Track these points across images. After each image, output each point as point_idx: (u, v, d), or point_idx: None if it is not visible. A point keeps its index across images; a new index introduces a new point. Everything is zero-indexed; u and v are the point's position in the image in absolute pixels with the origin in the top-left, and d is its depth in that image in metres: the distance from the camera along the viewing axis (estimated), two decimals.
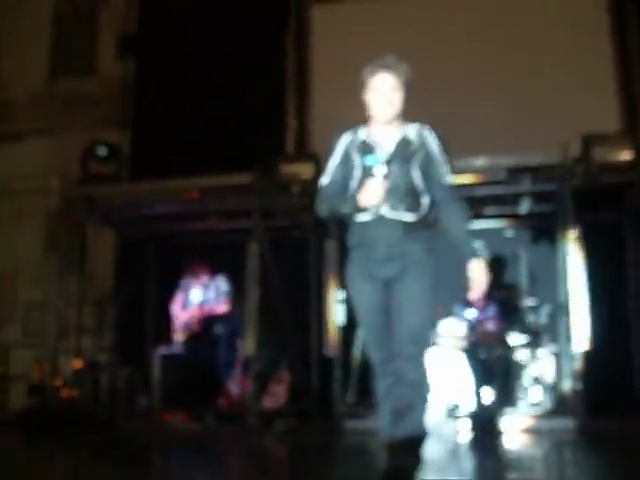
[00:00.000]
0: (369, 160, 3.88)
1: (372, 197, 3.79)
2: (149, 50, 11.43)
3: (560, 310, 8.55)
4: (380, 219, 3.86)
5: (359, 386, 8.73)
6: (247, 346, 9.00)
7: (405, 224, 3.86)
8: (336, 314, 8.94)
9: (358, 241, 3.96)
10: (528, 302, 9.06)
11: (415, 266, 3.83)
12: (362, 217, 3.90)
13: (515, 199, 9.28)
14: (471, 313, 8.44)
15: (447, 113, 9.53)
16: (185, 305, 9.71)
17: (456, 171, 8.84)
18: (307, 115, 10.33)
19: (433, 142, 4.00)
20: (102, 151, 10.13)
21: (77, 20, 11.87)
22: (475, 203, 9.43)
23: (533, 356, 8.65)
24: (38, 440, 7.93)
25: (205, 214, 9.81)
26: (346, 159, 4.01)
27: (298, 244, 9.82)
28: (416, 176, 3.90)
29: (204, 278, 9.71)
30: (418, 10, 10.20)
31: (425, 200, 3.93)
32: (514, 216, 9.72)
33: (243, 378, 9.23)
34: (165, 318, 9.89)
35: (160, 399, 9.49)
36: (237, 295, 9.54)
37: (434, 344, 8.63)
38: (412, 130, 4.00)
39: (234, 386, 9.34)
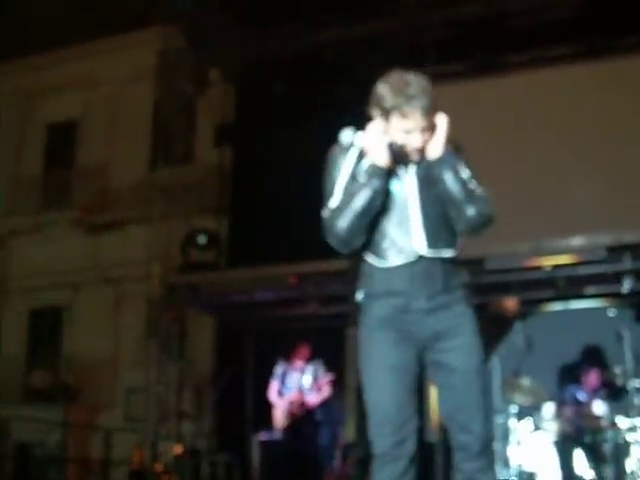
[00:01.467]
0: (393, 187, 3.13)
1: (376, 139, 3.06)
2: (245, 138, 11.70)
3: None
4: (416, 262, 3.13)
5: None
6: (347, 432, 8.94)
7: (445, 264, 3.17)
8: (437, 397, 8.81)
9: (383, 291, 3.17)
10: (634, 383, 8.80)
11: (465, 327, 3.17)
12: (389, 262, 3.16)
13: (616, 278, 9.09)
14: (579, 395, 8.25)
15: (543, 193, 9.52)
16: (281, 392, 9.69)
17: (555, 252, 8.89)
18: None
19: (459, 157, 3.23)
20: (202, 239, 10.35)
21: (176, 110, 12.24)
22: (574, 283, 9.31)
23: None
24: None
25: (303, 300, 9.87)
26: (353, 180, 3.16)
27: None
28: (447, 176, 3.14)
29: (300, 363, 9.71)
30: (510, 90, 10.24)
31: (457, 209, 3.17)
32: (616, 295, 9.51)
33: (343, 465, 9.15)
34: (264, 403, 9.90)
35: None
36: (336, 381, 9.50)
37: (539, 429, 8.44)
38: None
39: (335, 473, 9.25)
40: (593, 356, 9.18)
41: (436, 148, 3.12)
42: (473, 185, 3.16)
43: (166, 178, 12.40)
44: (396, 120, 3.07)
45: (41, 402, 14.31)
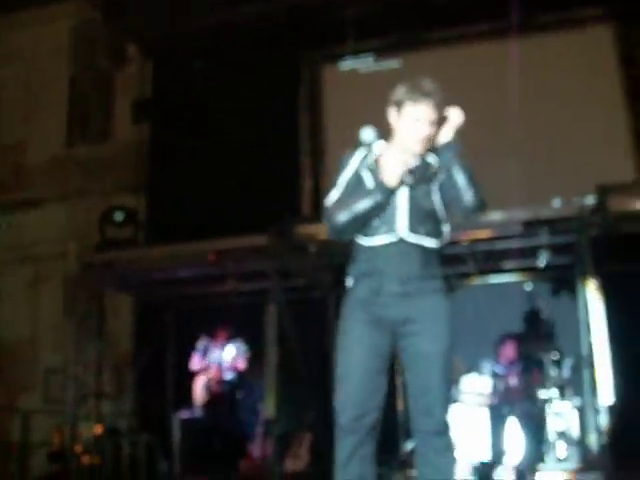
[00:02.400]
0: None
1: (397, 161, 3.41)
2: (163, 114, 11.55)
3: (583, 363, 8.45)
4: (397, 244, 3.42)
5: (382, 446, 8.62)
6: (267, 408, 8.93)
7: (424, 253, 3.43)
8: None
9: (366, 270, 3.47)
10: (550, 356, 8.96)
11: (436, 315, 3.41)
12: (374, 240, 3.46)
13: (533, 252, 9.22)
14: (496, 368, 8.38)
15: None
16: (202, 365, 9.70)
17: (473, 227, 8.97)
18: (322, 175, 10.39)
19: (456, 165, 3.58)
20: (119, 216, 10.19)
21: (93, 86, 12.01)
22: (492, 257, 9.41)
23: (557, 411, 8.54)
24: None
25: (222, 277, 9.80)
26: (358, 177, 3.57)
27: (316, 304, 9.80)
28: (436, 200, 3.50)
29: (222, 340, 9.70)
30: (431, 66, 10.26)
31: (446, 229, 3.56)
32: (533, 269, 9.65)
33: (264, 441, 9.15)
34: (185, 382, 9.85)
35: (181, 464, 9.41)
36: (256, 357, 9.49)
37: (457, 401, 8.55)
38: (432, 155, 3.59)
39: (256, 449, 9.25)
40: (510, 329, 9.33)
41: (447, 135, 3.52)
42: (471, 173, 3.51)
43: (83, 155, 12.15)
44: (408, 107, 3.51)
45: None
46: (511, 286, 9.93)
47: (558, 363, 8.88)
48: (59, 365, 11.50)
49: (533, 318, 9.43)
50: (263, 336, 9.12)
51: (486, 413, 8.24)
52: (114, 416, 10.69)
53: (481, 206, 3.52)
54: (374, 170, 3.53)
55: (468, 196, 3.47)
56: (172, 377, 10.66)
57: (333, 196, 3.56)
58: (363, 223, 3.46)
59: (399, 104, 3.58)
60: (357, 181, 3.56)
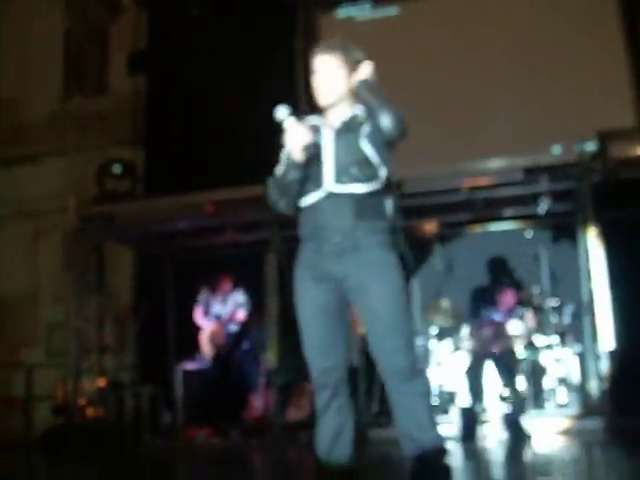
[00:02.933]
0: (316, 138, 3.51)
1: (297, 137, 3.43)
2: (159, 65, 11.44)
3: (583, 309, 8.47)
4: (327, 198, 3.43)
5: (383, 395, 8.67)
6: (269, 359, 8.97)
7: (357, 201, 3.40)
8: (358, 322, 8.88)
9: (306, 231, 3.51)
10: (551, 302, 8.98)
11: (375, 269, 3.39)
12: (307, 200, 3.49)
13: (533, 199, 9.19)
14: (495, 315, 8.38)
15: (460, 115, 9.54)
16: (206, 316, 9.73)
17: (472, 173, 8.93)
18: None
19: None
20: (117, 169, 10.15)
21: (88, 39, 11.89)
22: (493, 205, 9.39)
23: (558, 357, 8.57)
24: (63, 459, 7.92)
25: (221, 228, 9.77)
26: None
27: None
28: (366, 147, 3.45)
29: (223, 292, 9.72)
30: (429, 14, 10.18)
31: (382, 172, 3.47)
32: (533, 216, 9.63)
33: (266, 391, 9.19)
34: (186, 333, 9.88)
35: (184, 415, 9.47)
36: (257, 308, 9.51)
37: (459, 348, 8.58)
38: (359, 106, 3.57)
39: (258, 400, 9.30)
40: (509, 276, 9.34)
41: (359, 76, 3.55)
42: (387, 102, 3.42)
43: (80, 109, 12.05)
44: (312, 63, 3.65)
45: None
46: (511, 234, 9.91)
47: (559, 310, 8.90)
48: (60, 319, 11.52)
49: (533, 265, 9.42)
50: (264, 287, 9.13)
51: (466, 358, 8.24)
52: (116, 369, 10.75)
53: (401, 126, 3.40)
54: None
55: (385, 118, 3.39)
56: (173, 329, 10.69)
57: (276, 171, 3.65)
58: (291, 194, 3.52)
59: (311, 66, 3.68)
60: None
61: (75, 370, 10.00)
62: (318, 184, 3.47)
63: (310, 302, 3.47)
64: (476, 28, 9.94)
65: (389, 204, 3.55)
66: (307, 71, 10.45)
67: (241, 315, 9.63)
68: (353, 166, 3.43)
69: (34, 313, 13.73)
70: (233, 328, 9.68)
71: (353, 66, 3.59)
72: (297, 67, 10.54)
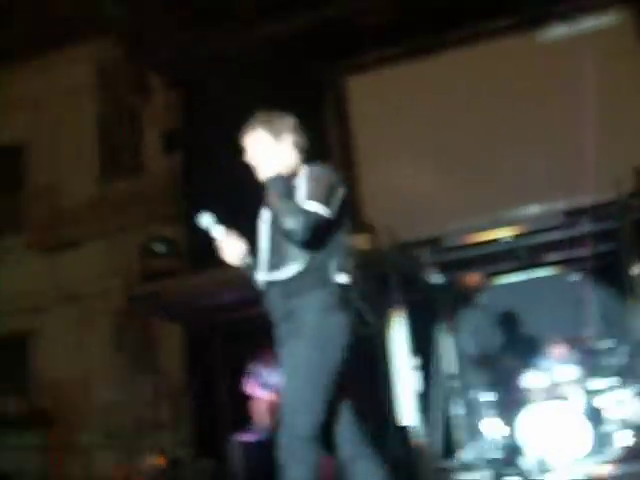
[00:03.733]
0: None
1: (228, 252, 3.74)
2: (193, 141, 11.62)
3: (638, 348, 8.36)
4: (266, 286, 3.63)
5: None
6: None
7: (287, 284, 3.50)
8: (411, 381, 8.86)
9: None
10: (605, 344, 8.87)
11: (297, 330, 3.48)
12: (260, 286, 3.70)
13: (575, 242, 9.15)
14: (548, 364, 8.31)
15: (495, 166, 9.59)
16: (262, 387, 9.70)
17: (512, 222, 8.94)
18: (356, 187, 10.39)
19: (304, 173, 3.62)
20: (159, 247, 10.26)
21: (120, 121, 12.14)
22: (536, 251, 9.37)
23: (618, 399, 8.44)
24: None
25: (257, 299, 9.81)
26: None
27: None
28: (278, 233, 3.55)
29: (272, 362, 9.70)
30: (456, 67, 10.28)
31: (306, 252, 3.50)
32: (576, 259, 9.57)
33: (329, 459, 9.11)
34: (239, 406, 9.86)
35: None
36: None
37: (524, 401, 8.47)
38: (302, 171, 3.66)
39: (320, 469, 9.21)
40: (559, 322, 9.26)
41: (260, 176, 3.72)
42: (296, 201, 3.48)
43: (118, 190, 12.28)
44: None
45: (16, 429, 14.15)
46: (556, 278, 9.86)
47: (613, 351, 8.79)
48: (115, 400, 11.59)
49: (581, 309, 9.34)
50: None
51: (540, 409, 8.14)
52: (174, 446, 10.75)
53: (300, 234, 3.45)
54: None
55: (288, 225, 3.46)
56: (226, 402, 10.68)
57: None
58: None
59: None
60: None
61: (132, 450, 10.01)
62: (256, 273, 3.69)
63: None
64: (502, 76, 10.03)
65: (334, 266, 3.55)
66: (339, 138, 10.58)
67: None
68: (272, 254, 3.58)
69: (88, 396, 13.83)
70: None
71: (279, 132, 3.73)
72: (329, 134, 10.68)
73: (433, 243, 9.16)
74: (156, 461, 10.04)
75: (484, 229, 9.21)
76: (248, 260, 3.67)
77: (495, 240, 9.19)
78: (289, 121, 3.77)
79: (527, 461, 7.85)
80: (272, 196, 3.56)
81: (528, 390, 8.27)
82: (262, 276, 3.61)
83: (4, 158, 16.04)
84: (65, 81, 14.87)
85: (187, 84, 11.85)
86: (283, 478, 3.43)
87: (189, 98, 11.91)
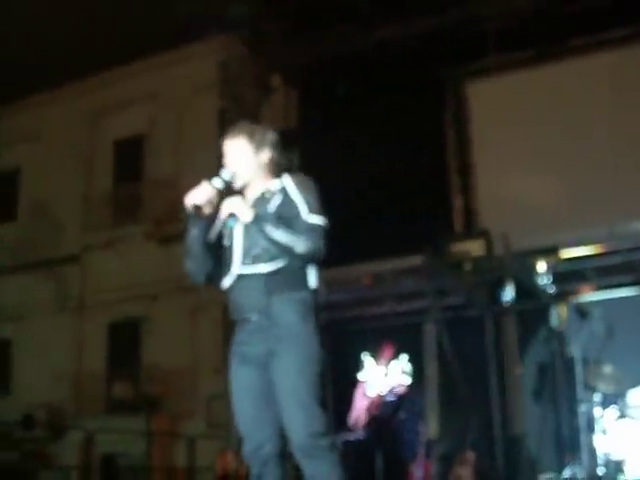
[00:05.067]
0: (230, 222, 3.63)
1: (196, 194, 3.53)
2: (311, 141, 11.73)
3: None
4: (239, 280, 3.54)
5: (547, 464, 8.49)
6: (429, 428, 8.90)
7: (267, 279, 3.48)
8: (520, 389, 8.79)
9: (233, 312, 3.61)
10: None
11: (288, 343, 3.43)
12: (224, 283, 3.61)
13: None
14: None
15: (616, 176, 9.42)
16: (366, 392, 9.74)
17: (630, 235, 8.77)
18: (472, 192, 10.35)
19: (293, 185, 3.64)
20: None
21: (240, 118, 12.31)
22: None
23: None
24: None
25: (379, 298, 9.86)
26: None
27: (474, 322, 9.73)
28: (269, 227, 3.49)
29: (385, 360, 9.73)
30: (580, 75, 10.13)
31: (298, 246, 3.49)
32: None
33: (426, 462, 9.12)
34: (344, 404, 9.91)
35: None
36: (416, 378, 9.49)
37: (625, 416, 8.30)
38: (274, 182, 3.70)
39: (417, 470, 9.22)
40: None
41: (244, 218, 3.56)
42: (303, 219, 3.52)
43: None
44: None
45: (124, 413, 14.55)
46: None
47: None
48: (220, 391, 11.77)
49: None
50: (420, 356, 9.12)
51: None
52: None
53: (315, 255, 3.51)
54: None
55: (298, 249, 3.46)
56: (332, 400, 10.74)
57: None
58: (198, 258, 3.64)
59: None
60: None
61: (237, 441, 10.15)
62: (229, 268, 3.59)
63: (236, 384, 3.56)
64: (635, 86, 9.84)
65: (312, 274, 3.59)
66: (458, 142, 10.56)
67: (404, 383, 9.57)
68: (255, 248, 3.53)
69: (195, 385, 14.14)
70: (391, 397, 9.67)
71: (259, 145, 3.73)
72: (448, 138, 10.66)
73: (548, 252, 9.04)
74: None
75: (601, 241, 9.06)
76: (207, 210, 3.58)
77: (612, 252, 9.02)
78: (271, 136, 3.80)
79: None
80: (268, 229, 3.50)
81: (636, 406, 8.09)
82: (236, 269, 3.57)
83: (127, 149, 16.55)
84: (187, 77, 15.27)
85: (306, 83, 11.97)
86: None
87: (308, 97, 12.04)
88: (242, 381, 3.54)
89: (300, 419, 3.41)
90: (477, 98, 10.70)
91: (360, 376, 9.81)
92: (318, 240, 3.50)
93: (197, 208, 3.52)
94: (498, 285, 8.86)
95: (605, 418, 8.56)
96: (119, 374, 15.59)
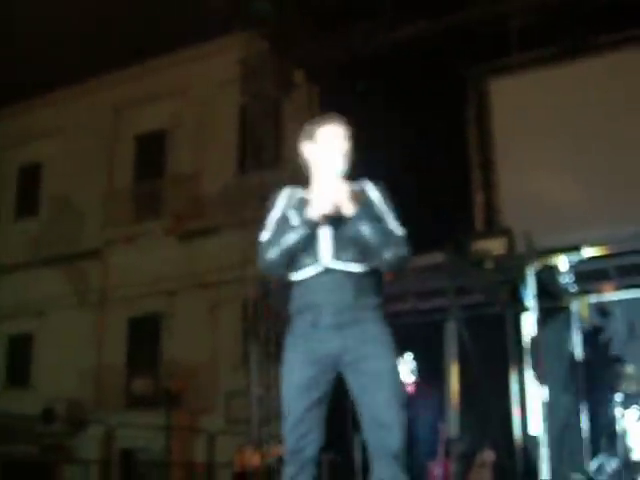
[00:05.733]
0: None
1: (331, 198, 3.40)
2: None
3: None
4: (324, 274, 3.42)
5: (567, 464, 8.46)
6: (449, 427, 8.88)
7: (356, 280, 3.42)
8: (539, 389, 8.73)
9: (301, 304, 3.47)
10: None
11: (376, 345, 3.38)
12: (303, 273, 3.47)
13: None
14: None
15: (637, 177, 9.37)
16: None
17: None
18: (493, 190, 10.31)
19: (376, 191, 3.66)
20: None
21: (263, 114, 12.33)
22: None
23: None
24: None
25: (401, 295, 9.83)
26: (283, 217, 3.59)
27: (494, 320, 9.68)
28: (363, 228, 3.41)
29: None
30: (603, 73, 10.07)
31: (385, 253, 3.42)
32: None
33: (446, 460, 9.09)
34: None
35: None
36: (436, 375, 9.46)
37: None
38: (355, 185, 3.62)
39: (437, 469, 9.20)
40: None
41: (347, 211, 3.44)
42: (391, 227, 3.49)
43: (256, 182, 12.48)
44: (316, 133, 3.81)
45: (143, 408, 14.61)
46: None
47: None
48: (239, 387, 11.80)
49: None
50: (440, 354, 9.09)
51: None
52: None
53: (401, 263, 3.47)
54: (298, 207, 3.57)
55: (385, 255, 3.41)
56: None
57: (264, 236, 3.59)
58: (291, 258, 3.49)
59: (309, 137, 3.78)
60: (283, 220, 3.59)
61: (256, 437, 10.17)
62: (314, 259, 3.46)
63: (294, 380, 3.45)
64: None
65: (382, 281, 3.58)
66: (480, 139, 10.48)
67: (410, 382, 9.55)
68: (347, 244, 3.45)
69: (214, 381, 14.17)
70: None
71: (349, 139, 3.74)
72: (470, 135, 10.62)
73: (570, 251, 8.99)
74: (277, 450, 10.19)
75: (623, 240, 9.00)
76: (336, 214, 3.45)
77: (633, 252, 8.97)
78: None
79: None
80: (364, 228, 3.42)
81: None
82: (327, 262, 3.44)
83: (148, 144, 16.59)
84: (211, 72, 15.28)
85: (328, 80, 11.95)
86: None
87: (330, 94, 12.01)
88: (303, 379, 3.43)
89: (396, 424, 3.37)
90: (499, 95, 10.66)
91: None
92: (405, 250, 3.46)
93: (336, 209, 3.41)
94: (519, 283, 8.81)
95: (626, 418, 8.53)
96: (139, 369, 15.64)
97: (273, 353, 10.67)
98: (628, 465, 8.25)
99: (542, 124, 10.23)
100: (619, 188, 9.59)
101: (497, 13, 10.44)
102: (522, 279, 8.81)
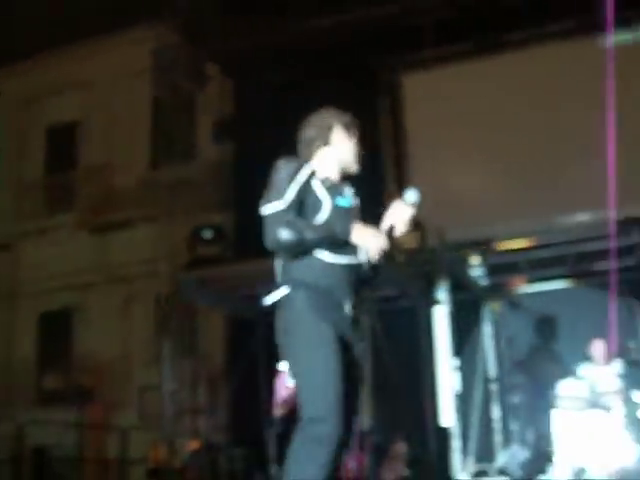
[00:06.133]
0: (342, 202, 3.46)
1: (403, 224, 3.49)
2: (246, 131, 11.65)
3: None
4: (352, 267, 3.40)
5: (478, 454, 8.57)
6: (362, 420, 8.91)
7: (357, 272, 3.44)
8: (451, 381, 8.83)
9: (326, 286, 3.33)
10: None
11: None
12: (338, 258, 3.36)
13: (626, 252, 9.04)
14: (588, 370, 8.21)
15: (548, 170, 9.51)
16: (286, 382, 9.71)
17: (563, 229, 8.85)
18: (406, 183, 10.36)
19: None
20: (207, 234, 10.32)
21: (175, 107, 12.21)
22: (585, 259, 9.27)
23: None
24: None
25: None
26: (305, 191, 3.37)
27: (407, 313, 9.76)
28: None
29: None
30: (515, 69, 10.21)
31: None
32: (626, 269, 9.44)
33: (360, 453, 9.12)
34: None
35: (278, 477, 9.46)
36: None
37: (555, 406, 8.40)
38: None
39: (351, 462, 9.23)
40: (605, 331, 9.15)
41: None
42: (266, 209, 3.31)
43: (169, 175, 12.38)
44: (348, 128, 3.76)
45: (55, 404, 14.34)
46: (603, 287, 9.73)
47: None
48: (153, 382, 11.67)
49: (627, 319, 9.23)
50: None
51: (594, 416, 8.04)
52: (210, 431, 10.81)
53: (275, 247, 3.32)
54: (330, 190, 3.46)
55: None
56: (265, 390, 10.72)
57: (277, 206, 3.31)
58: (306, 251, 3.34)
59: (337, 126, 3.70)
60: (299, 199, 3.36)
61: (169, 432, 10.08)
62: (354, 250, 3.40)
63: (334, 353, 3.26)
64: (567, 81, 9.93)
65: None
66: (393, 130, 10.49)
67: None
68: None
69: (127, 376, 13.97)
70: None
71: None
72: (382, 128, 10.66)
73: (481, 244, 9.11)
74: (191, 445, 10.11)
75: (534, 234, 9.15)
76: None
77: (543, 246, 9.12)
78: None
79: (559, 468, 7.80)
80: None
81: (567, 397, 8.19)
82: (360, 258, 3.42)
83: (59, 136, 16.26)
84: (122, 64, 15.03)
85: (242, 73, 11.89)
86: None
87: (243, 87, 11.96)
88: (337, 354, 3.25)
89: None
90: (413, 89, 10.74)
91: (280, 366, 9.79)
92: (273, 232, 3.38)
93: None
94: (432, 277, 8.89)
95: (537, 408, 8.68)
96: (51, 364, 15.34)
97: (186, 347, 10.60)
98: (539, 455, 8.40)
99: (456, 119, 10.32)
100: (530, 183, 9.73)
101: (411, 8, 10.51)
102: (434, 272, 8.90)
